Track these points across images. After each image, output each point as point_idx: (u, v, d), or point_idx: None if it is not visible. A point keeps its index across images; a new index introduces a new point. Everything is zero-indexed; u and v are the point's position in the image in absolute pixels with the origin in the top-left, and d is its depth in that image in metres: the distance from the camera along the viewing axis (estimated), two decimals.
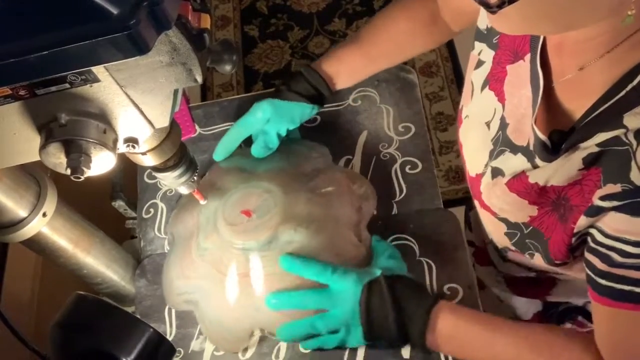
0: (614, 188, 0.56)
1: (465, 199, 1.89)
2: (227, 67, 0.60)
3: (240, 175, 0.88)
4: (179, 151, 0.67)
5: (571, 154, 0.60)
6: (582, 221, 0.61)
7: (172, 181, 0.72)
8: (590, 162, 0.59)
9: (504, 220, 0.73)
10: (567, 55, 0.63)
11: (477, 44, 0.78)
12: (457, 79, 2.15)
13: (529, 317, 0.95)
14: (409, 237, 0.87)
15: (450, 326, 0.71)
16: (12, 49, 0.40)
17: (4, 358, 0.96)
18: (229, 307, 0.81)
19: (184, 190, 0.75)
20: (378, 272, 0.75)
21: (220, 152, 0.91)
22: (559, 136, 0.62)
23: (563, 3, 0.51)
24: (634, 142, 0.54)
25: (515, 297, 0.93)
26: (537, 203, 0.67)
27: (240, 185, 0.84)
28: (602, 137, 0.57)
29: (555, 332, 0.70)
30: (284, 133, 0.89)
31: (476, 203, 0.81)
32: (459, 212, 0.92)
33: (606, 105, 0.57)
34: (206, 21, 0.52)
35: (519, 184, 0.68)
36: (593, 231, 0.61)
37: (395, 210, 0.90)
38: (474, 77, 0.78)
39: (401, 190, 0.92)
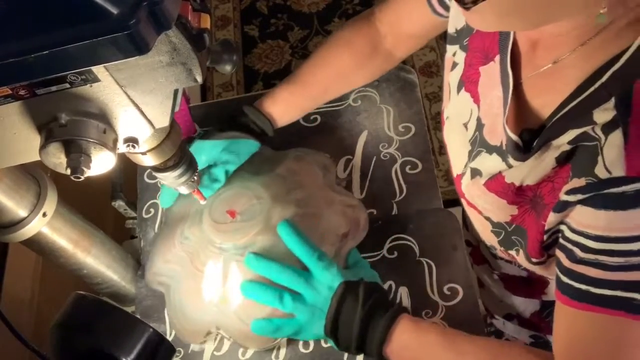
0: (579, 182, 0.56)
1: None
2: (227, 67, 0.60)
3: (238, 173, 0.88)
4: (179, 151, 0.67)
5: (544, 153, 0.60)
6: (552, 217, 0.60)
7: (172, 181, 0.72)
8: (563, 160, 0.59)
9: (488, 218, 0.73)
10: (541, 50, 0.63)
11: (449, 47, 0.79)
12: None
13: (527, 316, 0.95)
14: (409, 237, 0.87)
15: (407, 339, 0.71)
16: (12, 49, 0.40)
17: (4, 358, 0.96)
18: (195, 299, 0.81)
19: (184, 190, 0.75)
20: (358, 275, 0.75)
21: (166, 200, 0.90)
22: (530, 134, 0.62)
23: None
24: (602, 137, 0.54)
25: (513, 295, 0.93)
26: (516, 202, 0.67)
27: (234, 183, 0.84)
28: (572, 133, 0.57)
29: (514, 345, 0.70)
30: (231, 171, 0.86)
31: (463, 202, 0.81)
32: (458, 212, 0.92)
33: (576, 101, 0.57)
34: (206, 21, 0.52)
35: (496, 185, 0.68)
36: (562, 227, 0.60)
37: (395, 211, 0.90)
38: (450, 78, 0.78)
39: (401, 191, 0.92)
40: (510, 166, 0.65)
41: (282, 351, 0.82)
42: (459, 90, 0.76)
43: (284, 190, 0.84)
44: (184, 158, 0.69)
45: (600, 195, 0.54)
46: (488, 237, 0.77)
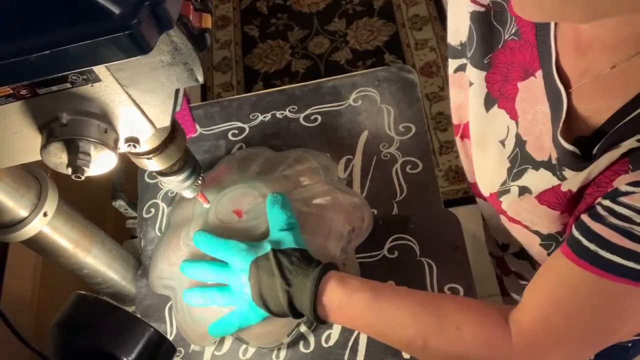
0: None
1: (467, 197, 1.89)
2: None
3: (243, 173, 0.88)
4: (184, 155, 0.68)
5: (604, 157, 0.59)
6: (599, 200, 0.59)
7: (177, 185, 0.72)
8: (620, 157, 0.57)
9: (536, 232, 0.72)
10: (596, 52, 0.61)
11: (452, 61, 0.77)
12: None
13: None
14: (409, 237, 0.87)
15: (338, 296, 0.69)
16: (13, 49, 0.40)
17: (4, 358, 0.96)
18: None
19: (188, 194, 0.75)
20: (268, 247, 0.73)
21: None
22: (584, 142, 0.61)
23: None
24: None
25: None
26: (569, 210, 0.65)
27: (240, 183, 0.84)
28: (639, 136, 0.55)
29: (452, 296, 0.69)
30: None
31: (503, 219, 0.80)
32: (458, 212, 0.92)
33: None
34: (207, 21, 0.52)
35: (549, 196, 0.66)
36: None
37: (395, 210, 0.90)
38: (470, 96, 0.76)
39: (402, 190, 0.92)
40: (564, 178, 0.63)
41: (283, 352, 0.82)
42: (488, 108, 0.74)
43: (289, 189, 0.85)
44: (188, 162, 0.69)
45: None
46: (537, 250, 0.76)
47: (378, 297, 0.69)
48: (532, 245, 0.76)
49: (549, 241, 0.71)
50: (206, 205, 0.81)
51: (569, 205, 0.65)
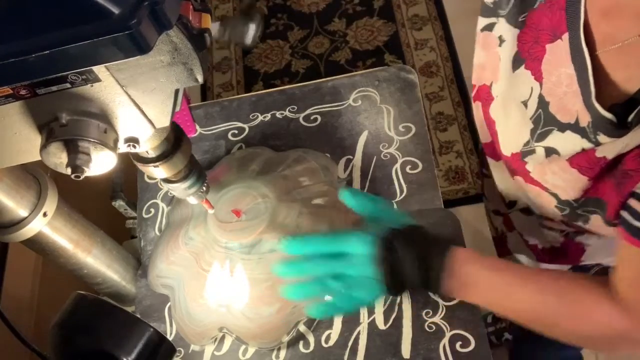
0: None
1: (467, 197, 1.89)
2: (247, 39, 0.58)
3: (242, 174, 0.88)
4: (189, 163, 0.68)
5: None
6: None
7: (182, 192, 0.72)
8: None
9: (554, 195, 0.73)
10: (624, 20, 0.60)
11: (482, 19, 0.76)
12: (457, 79, 2.15)
13: None
14: None
15: (469, 273, 0.67)
16: (13, 49, 0.40)
17: (4, 358, 0.96)
18: (200, 300, 0.81)
19: (193, 200, 0.75)
20: (385, 227, 0.69)
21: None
22: (620, 109, 0.61)
23: None
24: None
25: (544, 264, 0.93)
26: (599, 176, 0.66)
27: (238, 183, 0.84)
28: None
29: (579, 279, 0.68)
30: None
31: (517, 179, 0.80)
32: (458, 212, 0.92)
33: None
34: (207, 21, 0.52)
35: (581, 159, 0.66)
36: None
37: None
38: (502, 54, 0.75)
39: (402, 190, 0.92)
40: (599, 143, 0.64)
41: (283, 352, 0.82)
42: (515, 67, 0.74)
43: (288, 189, 0.85)
44: (193, 169, 0.70)
45: None
46: (551, 211, 0.76)
47: (505, 279, 0.68)
48: (547, 206, 0.76)
49: (565, 206, 0.72)
50: (211, 211, 0.81)
51: (601, 171, 0.65)
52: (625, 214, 0.61)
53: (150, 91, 0.53)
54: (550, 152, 0.71)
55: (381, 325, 0.82)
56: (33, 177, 0.73)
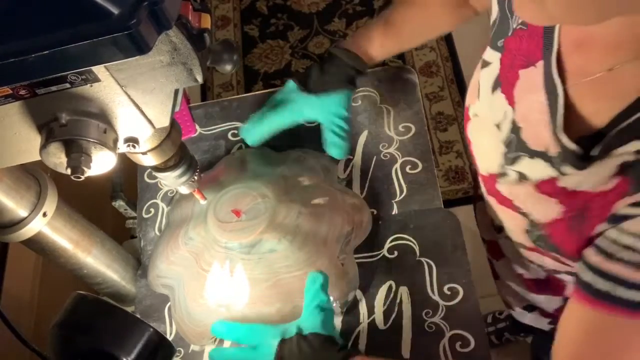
0: None
1: (467, 197, 1.89)
2: (228, 67, 0.60)
3: (242, 174, 0.88)
4: (179, 151, 0.67)
5: (604, 160, 0.59)
6: (602, 227, 0.59)
7: (173, 181, 0.72)
8: (622, 170, 0.57)
9: (526, 216, 0.73)
10: (595, 54, 0.60)
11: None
12: (457, 79, 2.15)
13: (551, 311, 0.94)
14: (409, 237, 0.87)
15: None
16: (13, 49, 0.40)
17: (4, 358, 0.96)
18: (200, 300, 0.81)
19: (184, 190, 0.75)
20: (294, 331, 0.73)
21: (252, 136, 0.90)
22: (586, 142, 0.60)
23: None
24: None
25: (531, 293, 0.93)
26: (566, 204, 0.65)
27: (238, 183, 0.84)
28: (636, 145, 0.55)
29: None
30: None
31: (491, 200, 0.80)
32: (458, 212, 0.92)
33: None
34: (206, 21, 0.52)
35: (548, 187, 0.66)
36: (607, 228, 0.59)
37: (395, 210, 0.90)
38: (481, 76, 0.77)
39: (401, 190, 0.92)
40: (564, 174, 0.64)
41: None
42: (493, 90, 0.74)
43: (288, 189, 0.85)
44: (184, 158, 0.69)
45: None
46: (520, 236, 0.76)
47: None
48: (516, 229, 0.76)
49: (534, 229, 0.71)
50: (203, 202, 0.81)
51: (566, 199, 0.65)
52: (588, 275, 0.59)
53: (150, 91, 0.53)
54: (521, 177, 0.71)
55: (381, 325, 0.82)
56: (33, 177, 0.73)
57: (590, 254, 0.59)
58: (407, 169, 0.93)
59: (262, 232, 0.79)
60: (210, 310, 0.81)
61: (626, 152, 0.56)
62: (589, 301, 0.59)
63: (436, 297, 0.82)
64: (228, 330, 0.77)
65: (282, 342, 0.72)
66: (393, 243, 0.87)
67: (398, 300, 0.83)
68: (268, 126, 0.90)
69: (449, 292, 0.82)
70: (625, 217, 0.56)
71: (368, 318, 0.83)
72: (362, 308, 0.83)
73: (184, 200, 0.91)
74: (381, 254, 0.87)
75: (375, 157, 0.95)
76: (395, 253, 0.87)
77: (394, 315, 0.82)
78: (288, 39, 2.36)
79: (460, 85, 2.12)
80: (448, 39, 2.25)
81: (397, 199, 0.91)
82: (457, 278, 0.83)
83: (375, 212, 0.90)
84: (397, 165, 0.94)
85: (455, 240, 0.86)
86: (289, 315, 0.80)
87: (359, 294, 0.84)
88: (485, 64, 0.76)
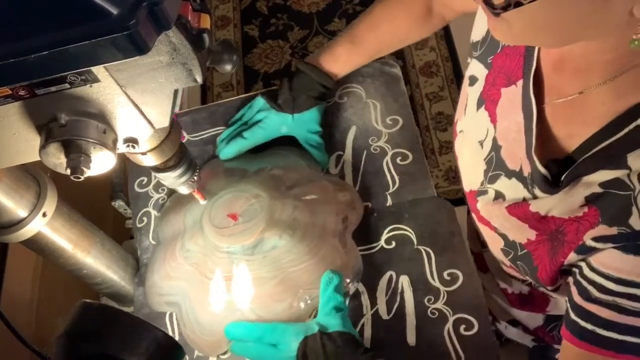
0: (610, 230, 0.55)
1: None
2: (227, 67, 0.60)
3: (229, 178, 0.88)
4: (179, 151, 0.67)
5: (573, 188, 0.59)
6: (572, 257, 0.60)
7: (173, 181, 0.72)
8: (591, 200, 0.57)
9: (502, 235, 0.73)
10: (568, 75, 0.61)
11: (470, 58, 0.78)
12: (457, 79, 2.15)
13: (531, 329, 0.95)
14: (405, 227, 0.88)
15: None
16: (12, 49, 0.40)
17: (4, 358, 0.96)
18: (210, 309, 0.81)
19: (184, 190, 0.75)
20: (315, 328, 0.73)
21: (229, 153, 0.93)
22: (556, 166, 0.61)
23: (568, 14, 0.49)
24: (638, 186, 0.53)
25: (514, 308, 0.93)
26: (537, 229, 0.66)
27: (228, 188, 0.84)
28: (604, 174, 0.55)
29: None
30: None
31: (473, 216, 0.80)
32: (459, 211, 0.92)
33: (609, 141, 0.55)
34: (206, 21, 0.52)
35: (519, 211, 0.67)
36: (581, 264, 0.60)
37: (389, 202, 0.91)
38: (469, 93, 0.77)
39: (394, 182, 0.92)
40: (535, 196, 0.64)
41: None
42: (478, 107, 0.75)
43: (277, 185, 0.85)
44: (184, 158, 0.69)
45: (632, 244, 0.53)
46: (497, 253, 0.76)
47: None
48: (495, 247, 0.76)
49: (510, 249, 0.72)
50: (202, 202, 0.81)
51: (537, 225, 0.65)
52: (572, 314, 0.59)
53: (149, 91, 0.53)
54: (498, 195, 0.71)
55: (385, 316, 0.82)
56: (32, 177, 0.73)
57: (574, 293, 0.60)
58: (398, 160, 0.94)
59: (263, 231, 0.79)
60: (222, 316, 0.80)
61: (594, 181, 0.56)
62: (575, 339, 0.60)
63: (437, 284, 0.83)
64: (245, 331, 0.77)
65: (305, 339, 0.72)
66: (390, 234, 0.88)
67: (400, 290, 0.83)
68: (245, 144, 0.92)
69: (449, 278, 0.83)
70: (591, 250, 0.57)
71: (371, 309, 0.83)
72: (365, 300, 0.84)
73: (171, 215, 0.90)
74: (379, 246, 0.87)
75: (365, 151, 0.95)
76: (393, 244, 0.87)
77: (396, 305, 0.83)
78: (288, 39, 2.36)
79: (460, 85, 2.12)
80: (448, 39, 2.25)
81: (390, 191, 0.92)
82: (456, 263, 0.84)
83: (370, 204, 0.91)
84: (388, 158, 0.94)
85: (451, 227, 0.87)
86: (303, 309, 0.80)
87: (360, 286, 0.84)
88: (473, 81, 0.76)
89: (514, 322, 0.97)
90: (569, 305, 0.61)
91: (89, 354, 0.61)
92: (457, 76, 2.16)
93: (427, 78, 2.18)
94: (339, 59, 0.91)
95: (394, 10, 0.90)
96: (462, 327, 0.79)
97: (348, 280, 0.81)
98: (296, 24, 2.39)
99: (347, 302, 0.83)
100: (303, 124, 0.91)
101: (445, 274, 0.83)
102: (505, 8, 0.49)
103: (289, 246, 0.79)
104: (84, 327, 0.62)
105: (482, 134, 0.73)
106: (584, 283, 0.58)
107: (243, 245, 0.79)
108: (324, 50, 0.92)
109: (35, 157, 0.55)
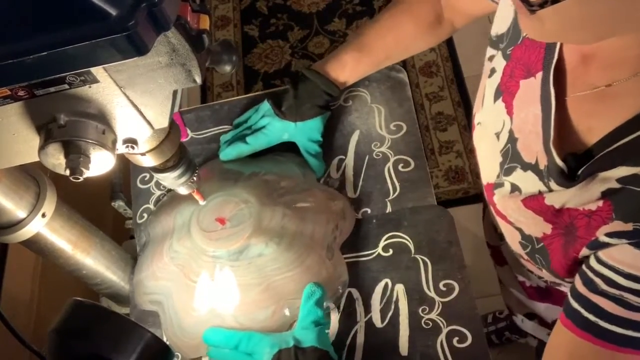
0: (625, 226, 0.55)
1: (466, 197, 1.89)
2: (227, 68, 0.60)
3: (222, 182, 0.88)
4: (178, 151, 0.67)
5: (590, 182, 0.58)
6: (585, 252, 0.60)
7: (172, 182, 0.72)
8: (606, 195, 0.57)
9: (519, 229, 0.73)
10: (595, 67, 0.60)
11: (489, 49, 0.77)
12: (457, 79, 2.15)
13: (549, 322, 0.94)
14: (403, 235, 0.88)
15: None
16: (11, 50, 0.40)
17: (4, 358, 0.96)
18: (192, 311, 0.81)
19: (183, 190, 0.75)
20: (291, 342, 0.74)
21: (229, 155, 0.93)
22: (575, 160, 0.60)
23: (602, 9, 0.49)
24: None
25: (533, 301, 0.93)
26: (552, 222, 0.65)
27: (219, 192, 0.84)
28: (623, 170, 0.55)
29: None
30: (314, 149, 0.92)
31: (490, 209, 0.80)
32: (459, 211, 0.92)
33: (631, 137, 0.55)
34: (205, 22, 0.52)
35: (534, 203, 0.66)
36: (590, 256, 0.60)
37: (389, 209, 0.91)
38: (487, 85, 0.77)
39: (394, 189, 0.92)
40: (551, 189, 0.64)
41: None
42: (495, 99, 0.74)
43: (269, 192, 0.85)
44: (183, 158, 0.69)
45: None
46: (516, 246, 0.76)
47: None
48: (512, 240, 0.76)
49: (527, 242, 0.71)
50: (202, 203, 0.81)
51: (553, 218, 0.65)
52: (574, 303, 0.60)
53: (149, 92, 0.53)
54: (514, 188, 0.71)
55: (378, 324, 0.82)
56: (32, 178, 0.73)
57: (578, 283, 0.60)
58: (400, 167, 0.94)
59: (249, 238, 0.79)
60: (204, 320, 0.80)
61: (612, 176, 0.56)
62: (576, 329, 0.60)
63: (432, 294, 0.83)
64: (222, 338, 0.77)
65: (279, 352, 0.73)
66: (388, 241, 0.87)
67: (394, 298, 0.83)
68: (246, 149, 0.92)
69: (444, 288, 0.83)
70: (604, 245, 0.57)
71: (365, 317, 0.83)
72: (359, 307, 0.84)
73: (162, 215, 0.90)
74: (376, 253, 0.87)
75: (367, 156, 0.95)
76: (390, 251, 0.87)
77: (390, 313, 0.83)
78: (288, 39, 2.36)
79: (460, 85, 2.12)
80: (448, 39, 2.24)
81: (390, 198, 0.91)
82: (453, 274, 0.84)
83: (369, 210, 0.91)
84: (390, 164, 0.94)
85: (449, 237, 0.87)
86: (285, 318, 0.80)
87: (355, 292, 0.84)
88: (492, 72, 0.75)
89: (531, 315, 0.97)
90: (570, 293, 0.61)
91: (78, 351, 0.61)
92: (457, 76, 2.16)
93: (427, 78, 2.18)
94: (346, 67, 0.90)
95: (402, 19, 0.90)
96: (455, 339, 0.79)
97: (331, 294, 0.80)
98: (296, 24, 2.39)
99: (338, 314, 0.83)
100: (305, 132, 0.91)
101: (441, 285, 0.83)
102: (541, 5, 0.48)
103: (275, 254, 0.79)
104: (74, 325, 0.62)
105: (499, 126, 0.73)
106: (590, 274, 0.58)
107: (229, 250, 0.79)
108: (331, 58, 0.91)
109: (35, 158, 0.55)
